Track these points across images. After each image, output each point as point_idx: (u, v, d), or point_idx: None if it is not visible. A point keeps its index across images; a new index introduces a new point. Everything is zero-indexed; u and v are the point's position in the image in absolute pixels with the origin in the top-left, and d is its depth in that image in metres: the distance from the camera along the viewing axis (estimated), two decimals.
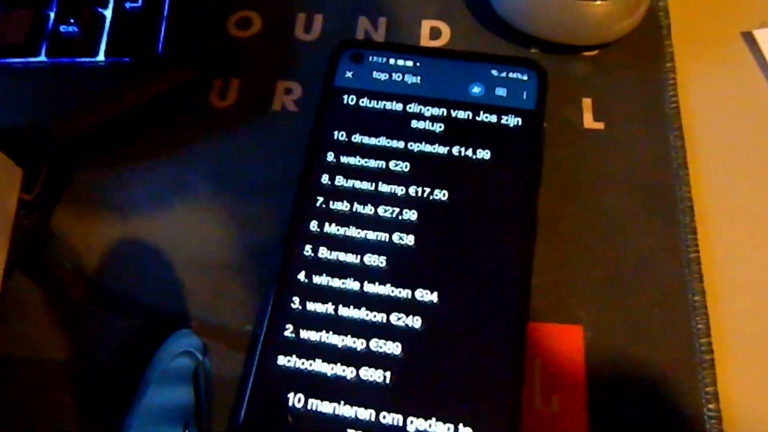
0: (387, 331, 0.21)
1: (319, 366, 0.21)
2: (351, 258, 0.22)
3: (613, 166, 0.25)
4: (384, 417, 0.20)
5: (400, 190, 0.23)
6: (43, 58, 0.25)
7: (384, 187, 0.23)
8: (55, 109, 0.24)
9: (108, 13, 0.26)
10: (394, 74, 0.26)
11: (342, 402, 0.20)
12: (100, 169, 0.26)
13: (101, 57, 0.25)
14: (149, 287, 0.23)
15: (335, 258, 0.22)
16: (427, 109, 0.25)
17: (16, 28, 0.25)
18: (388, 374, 0.20)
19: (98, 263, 0.24)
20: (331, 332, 0.21)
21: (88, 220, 0.25)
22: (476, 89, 0.25)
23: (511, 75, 0.25)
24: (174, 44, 0.25)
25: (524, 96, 0.25)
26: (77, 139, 0.25)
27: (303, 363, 0.21)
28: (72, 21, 0.25)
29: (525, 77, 0.25)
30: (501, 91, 0.25)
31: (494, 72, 0.25)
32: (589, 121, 0.26)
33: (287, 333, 0.21)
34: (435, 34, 0.28)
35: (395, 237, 0.22)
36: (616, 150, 0.25)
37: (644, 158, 0.25)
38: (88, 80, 0.24)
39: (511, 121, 0.24)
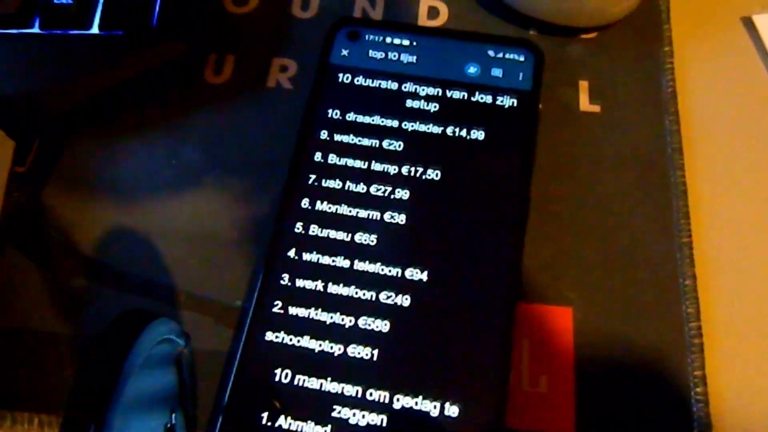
0: (376, 309, 0.21)
1: (307, 342, 0.20)
2: (342, 235, 0.22)
3: (608, 149, 0.25)
4: (371, 394, 0.20)
5: (393, 169, 0.23)
6: (36, 29, 0.25)
7: (377, 166, 0.23)
8: (47, 81, 0.24)
9: None
10: (390, 53, 0.25)
11: (329, 378, 0.20)
12: (93, 142, 0.25)
13: (95, 29, 0.25)
14: (141, 261, 0.23)
15: (326, 235, 0.22)
16: (423, 89, 0.25)
17: None
18: (376, 352, 0.20)
19: (90, 236, 0.24)
20: (320, 309, 0.21)
21: (80, 193, 0.24)
22: (472, 69, 0.25)
23: (507, 55, 0.25)
24: (169, 18, 0.25)
25: (520, 77, 0.25)
26: (70, 111, 0.24)
27: (291, 339, 0.21)
28: None
29: (521, 58, 0.25)
30: (497, 72, 0.25)
31: (490, 52, 0.25)
32: (585, 104, 0.26)
33: (276, 309, 0.21)
34: (433, 13, 0.28)
35: (387, 215, 0.22)
36: (612, 133, 0.25)
37: (639, 142, 0.25)
38: (81, 52, 0.24)
39: (507, 101, 0.24)
